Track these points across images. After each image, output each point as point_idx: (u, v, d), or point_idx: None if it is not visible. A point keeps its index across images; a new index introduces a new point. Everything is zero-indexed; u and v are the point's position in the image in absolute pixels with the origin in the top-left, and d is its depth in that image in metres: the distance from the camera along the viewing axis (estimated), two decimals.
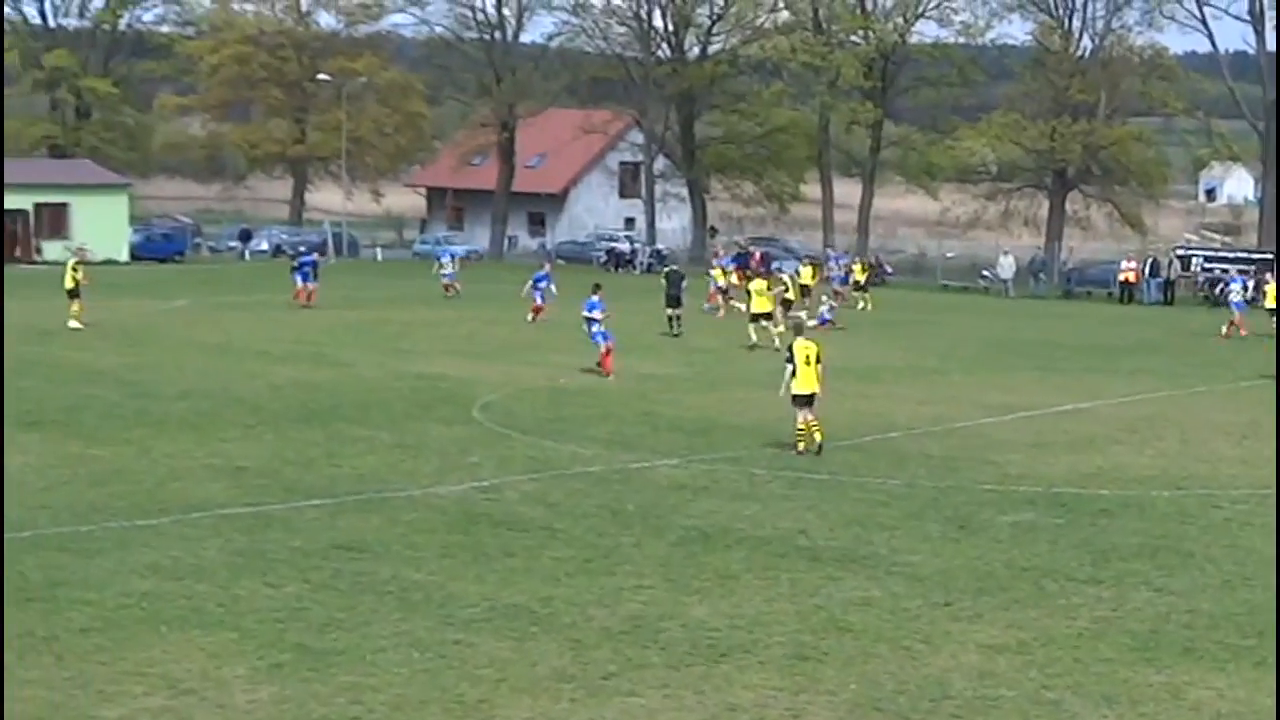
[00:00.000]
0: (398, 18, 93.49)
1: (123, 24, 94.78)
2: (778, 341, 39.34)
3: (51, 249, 72.93)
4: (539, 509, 21.26)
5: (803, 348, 25.60)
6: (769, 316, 42.22)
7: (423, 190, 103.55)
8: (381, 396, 31.68)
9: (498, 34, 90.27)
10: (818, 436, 25.44)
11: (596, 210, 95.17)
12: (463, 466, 24.19)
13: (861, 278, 59.44)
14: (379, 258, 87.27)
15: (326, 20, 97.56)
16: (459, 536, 19.50)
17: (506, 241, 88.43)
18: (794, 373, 25.39)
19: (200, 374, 34.47)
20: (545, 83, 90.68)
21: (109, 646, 14.79)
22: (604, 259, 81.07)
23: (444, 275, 56.95)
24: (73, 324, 43.52)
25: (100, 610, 15.94)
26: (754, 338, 41.93)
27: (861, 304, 56.67)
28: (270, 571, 17.57)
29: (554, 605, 16.46)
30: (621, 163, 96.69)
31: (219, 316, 47.76)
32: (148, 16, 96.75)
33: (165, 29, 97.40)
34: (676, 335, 44.56)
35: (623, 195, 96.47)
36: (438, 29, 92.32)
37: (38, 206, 74.35)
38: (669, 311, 45.41)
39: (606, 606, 16.46)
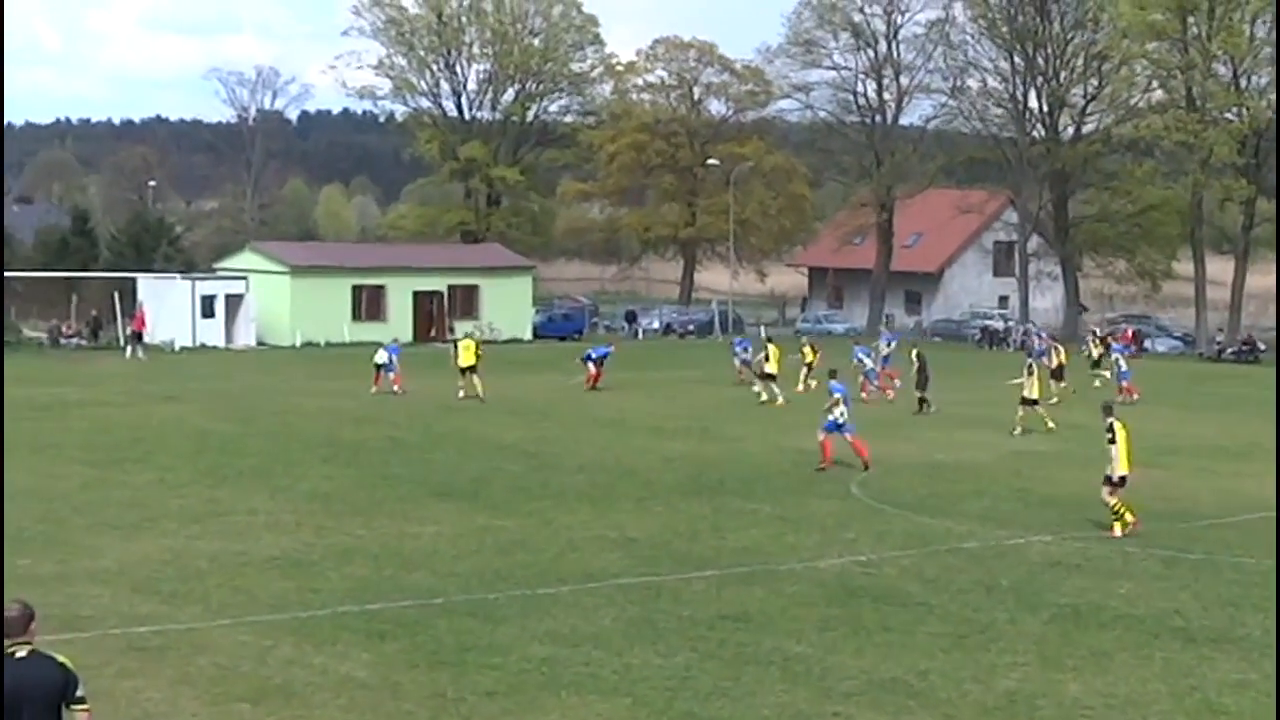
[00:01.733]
0: (783, 104, 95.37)
1: (530, 115, 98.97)
2: (1050, 424, 39.46)
3: (463, 328, 76.50)
4: (915, 584, 21.43)
5: (1120, 427, 25.49)
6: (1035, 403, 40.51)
7: (804, 270, 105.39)
8: (765, 471, 32.08)
9: (878, 118, 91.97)
10: (1129, 516, 25.26)
11: (971, 288, 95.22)
12: (841, 541, 24.52)
13: (1096, 352, 54.79)
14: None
15: (716, 108, 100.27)
16: (838, 610, 19.74)
17: (885, 319, 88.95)
18: (1116, 452, 25.19)
19: (597, 448, 35.39)
20: (923, 164, 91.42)
21: (513, 710, 15.47)
22: (978, 337, 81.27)
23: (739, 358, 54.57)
24: (461, 394, 45.74)
25: (504, 674, 16.60)
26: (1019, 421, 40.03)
27: (1097, 381, 52.27)
28: (661, 640, 18.02)
29: (930, 680, 16.57)
30: (996, 241, 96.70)
31: (613, 393, 48.90)
32: (553, 108, 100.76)
33: (569, 119, 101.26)
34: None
35: (997, 273, 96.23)
36: (821, 114, 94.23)
37: (451, 288, 77.76)
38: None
39: (981, 682, 16.52)
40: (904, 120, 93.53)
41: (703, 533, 25.09)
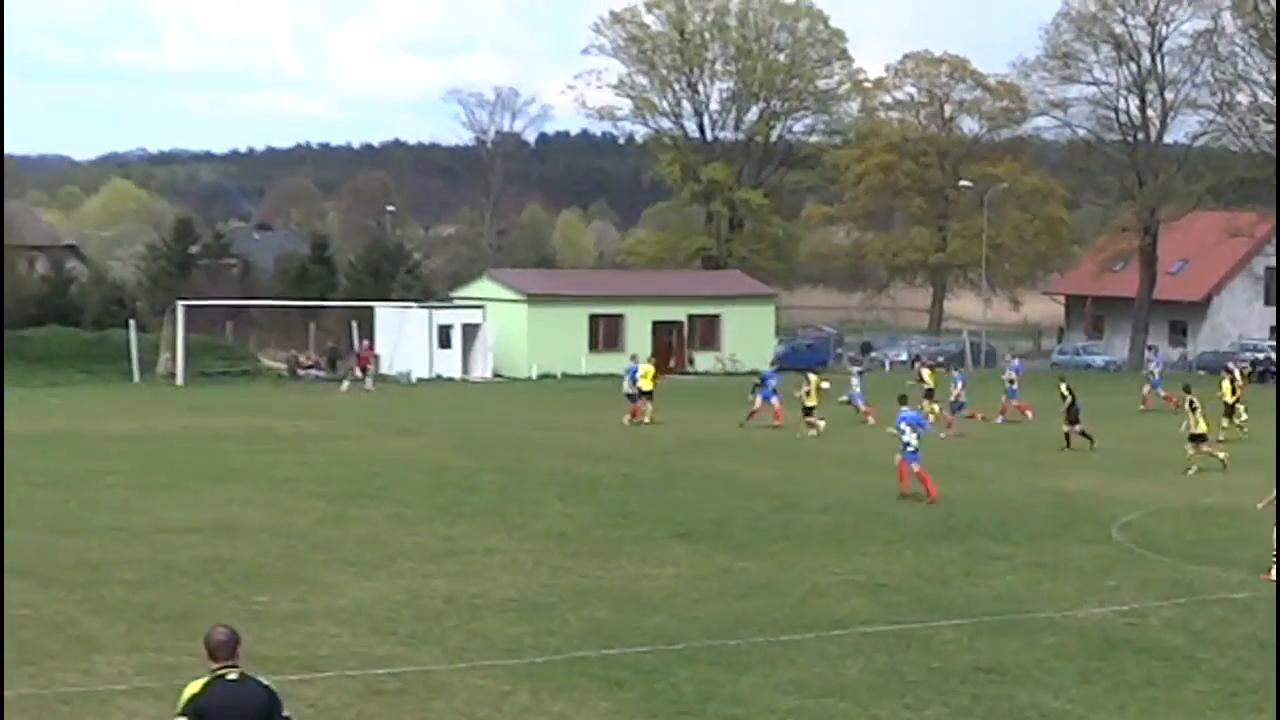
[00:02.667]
0: (1039, 121, 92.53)
1: (774, 135, 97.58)
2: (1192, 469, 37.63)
3: (703, 359, 75.17)
4: (1181, 636, 20.47)
5: None
6: (1204, 439, 38.72)
7: (1061, 298, 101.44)
8: (1018, 512, 31.02)
9: (1140, 135, 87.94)
10: None
11: (1240, 318, 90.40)
12: (1102, 589, 23.55)
13: (1230, 397, 47.35)
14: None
15: (968, 126, 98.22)
16: (1098, 663, 18.99)
17: (1147, 351, 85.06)
18: None
19: (842, 487, 34.46)
20: (1188, 185, 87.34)
21: None
22: (1248, 370, 76.40)
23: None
24: (634, 419, 46.88)
25: None
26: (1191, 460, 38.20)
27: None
28: (909, 693, 17.43)
29: None
30: (1267, 267, 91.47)
31: (857, 429, 47.23)
32: (798, 127, 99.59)
33: (814, 139, 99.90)
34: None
35: (1268, 302, 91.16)
36: (1079, 132, 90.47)
37: (691, 318, 76.60)
38: None
39: None
40: (1168, 138, 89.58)
41: (953, 578, 24.34)
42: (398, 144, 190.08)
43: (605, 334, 74.30)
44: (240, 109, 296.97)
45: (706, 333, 76.79)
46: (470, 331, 70.03)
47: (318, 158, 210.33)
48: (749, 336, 76.17)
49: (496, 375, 69.33)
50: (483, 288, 75.56)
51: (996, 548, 26.84)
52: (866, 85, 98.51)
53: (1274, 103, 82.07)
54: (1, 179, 74.73)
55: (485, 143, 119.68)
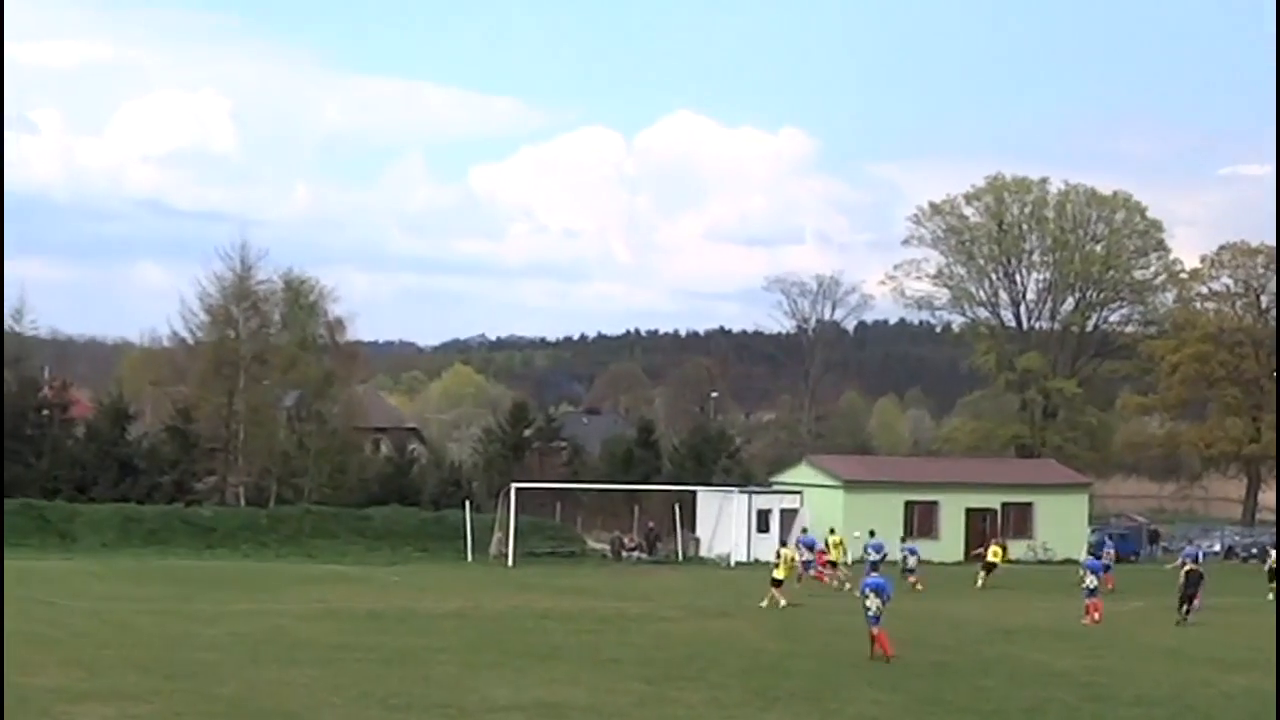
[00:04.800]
0: None
1: (1089, 325, 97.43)
2: None
3: (1016, 547, 75.11)
4: None
5: None
6: None
7: None
8: None
9: None
10: None
11: None
12: None
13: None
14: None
15: None
16: None
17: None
18: None
19: (1153, 679, 34.00)
20: None
21: None
22: None
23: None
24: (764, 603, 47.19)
25: None
26: None
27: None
28: None
29: None
30: None
31: (1167, 619, 46.98)
32: (1113, 317, 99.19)
33: (1129, 329, 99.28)
34: None
35: None
36: None
37: (1004, 505, 76.79)
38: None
39: None
40: None
41: None
42: (722, 331, 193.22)
43: (920, 520, 75.00)
44: (573, 298, 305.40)
45: (1020, 521, 76.75)
46: (788, 516, 71.41)
47: (646, 344, 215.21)
48: (1062, 525, 75.90)
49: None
50: (800, 473, 77.06)
51: None
52: (1182, 276, 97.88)
53: None
54: (2, 243, 77.48)
55: (806, 330, 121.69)
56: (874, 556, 56.41)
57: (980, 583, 58.76)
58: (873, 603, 35.63)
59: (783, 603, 47.54)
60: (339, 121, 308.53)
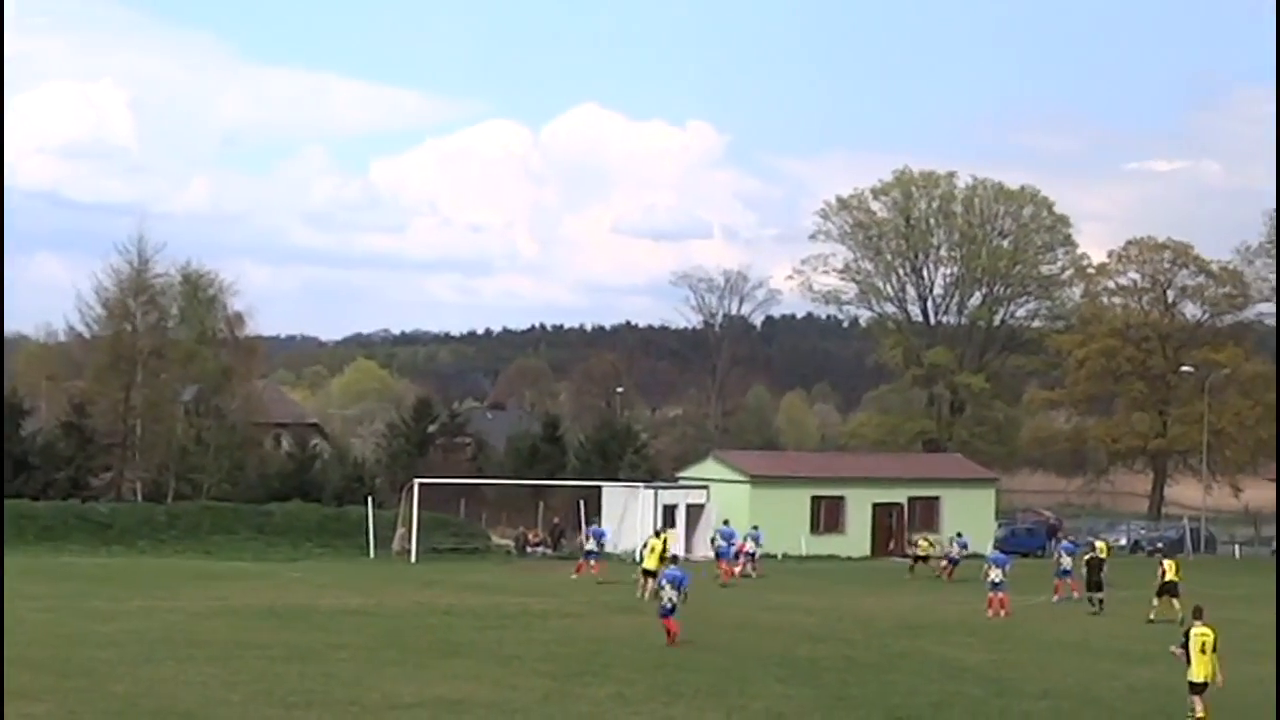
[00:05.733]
0: (1262, 307, 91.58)
1: (996, 320, 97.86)
2: None
3: (923, 541, 75.06)
4: None
5: (1198, 634, 25.90)
6: None
7: None
8: (1237, 703, 29.58)
9: None
10: None
11: None
12: None
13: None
14: (1237, 555, 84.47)
15: (1191, 311, 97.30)
16: None
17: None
18: (1187, 659, 25.79)
19: (1060, 673, 34.11)
20: None
21: None
22: None
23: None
24: (642, 595, 46.75)
25: None
26: None
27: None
28: None
29: None
30: None
31: (1073, 611, 47.29)
32: (1020, 312, 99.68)
33: (1036, 324, 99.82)
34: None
35: None
36: None
37: (911, 500, 76.86)
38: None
39: None
40: None
41: None
42: (628, 326, 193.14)
43: (827, 516, 74.95)
44: (478, 292, 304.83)
45: (926, 516, 76.87)
46: (694, 512, 71.12)
47: (551, 340, 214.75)
48: (969, 520, 75.72)
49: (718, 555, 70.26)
50: (707, 469, 76.80)
51: None
52: (1089, 271, 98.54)
53: None
54: (2, 259, 77.08)
55: (713, 326, 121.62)
56: (721, 544, 59.23)
57: (912, 574, 62.31)
58: (667, 594, 36.58)
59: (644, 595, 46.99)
60: (240, 113, 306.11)
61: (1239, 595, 54.98)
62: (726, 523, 62.56)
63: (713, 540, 62.57)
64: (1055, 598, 51.79)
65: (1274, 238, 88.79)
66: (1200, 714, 25.74)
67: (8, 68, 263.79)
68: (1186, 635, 26.12)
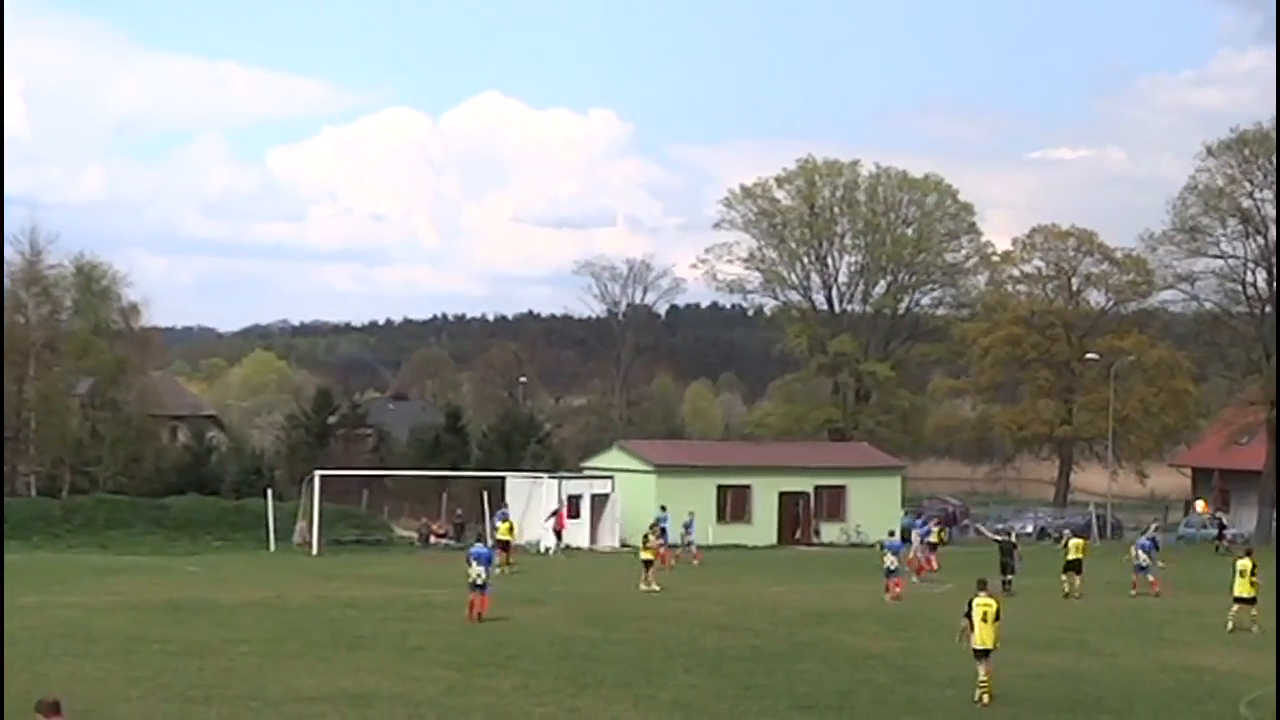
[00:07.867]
0: (1166, 294, 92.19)
1: (901, 308, 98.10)
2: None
3: (829, 531, 75.24)
4: None
5: (980, 605, 28.33)
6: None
7: (1188, 470, 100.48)
8: (1145, 689, 30.70)
9: (1268, 309, 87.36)
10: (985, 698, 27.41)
11: None
12: None
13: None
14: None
15: (1095, 298, 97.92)
16: None
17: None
18: (971, 628, 28.18)
19: (967, 660, 32.85)
20: None
21: None
22: None
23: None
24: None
25: None
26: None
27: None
28: None
29: None
30: None
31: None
32: (925, 300, 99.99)
33: (941, 312, 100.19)
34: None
35: None
36: (1206, 305, 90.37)
37: (817, 489, 76.80)
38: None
39: None
40: None
41: None
42: (531, 315, 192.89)
43: (733, 505, 74.79)
44: (378, 282, 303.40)
45: (833, 504, 76.95)
46: (599, 502, 70.77)
47: (453, 329, 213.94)
48: (875, 508, 76.10)
49: (624, 545, 69.58)
50: (612, 458, 76.42)
51: None
52: (994, 259, 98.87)
53: None
54: (1, 266, 75.97)
55: (616, 315, 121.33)
56: (682, 531, 62.00)
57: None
58: (474, 570, 39.15)
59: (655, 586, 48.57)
60: (135, 101, 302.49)
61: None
62: (664, 509, 63.83)
63: (686, 528, 63.62)
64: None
65: (1177, 225, 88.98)
66: (984, 678, 27.78)
67: None
68: (970, 606, 28.30)
